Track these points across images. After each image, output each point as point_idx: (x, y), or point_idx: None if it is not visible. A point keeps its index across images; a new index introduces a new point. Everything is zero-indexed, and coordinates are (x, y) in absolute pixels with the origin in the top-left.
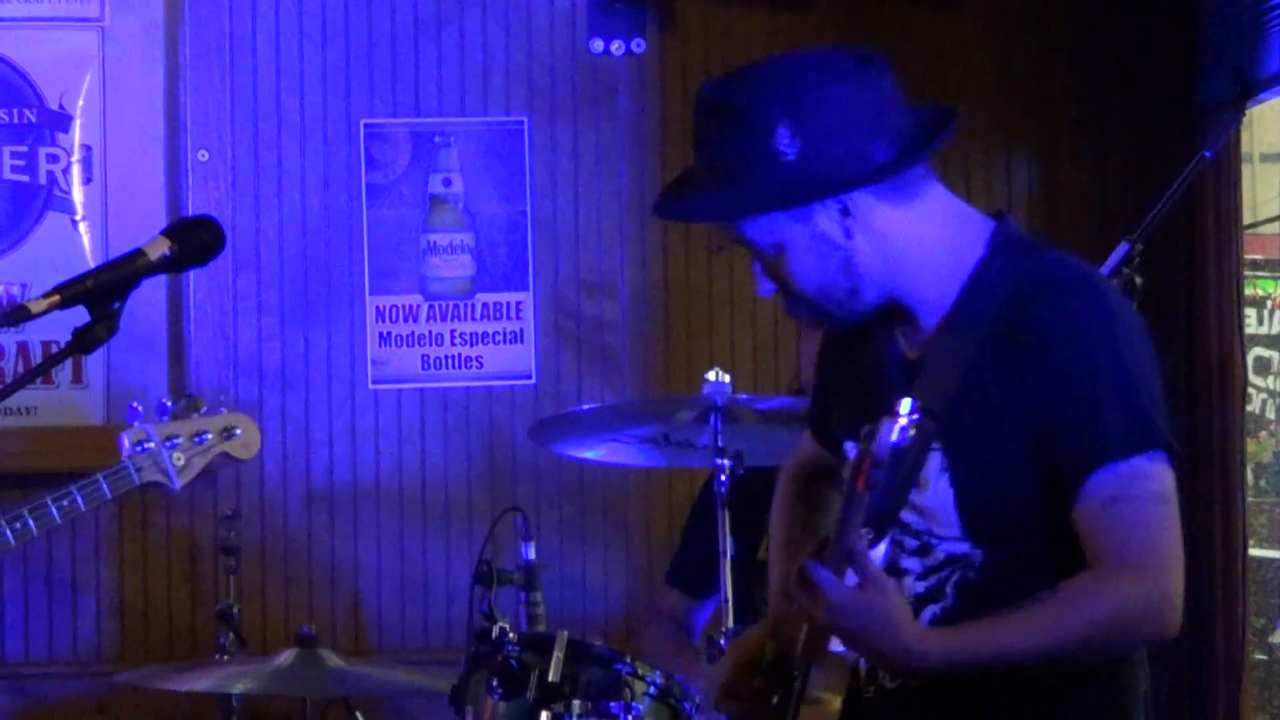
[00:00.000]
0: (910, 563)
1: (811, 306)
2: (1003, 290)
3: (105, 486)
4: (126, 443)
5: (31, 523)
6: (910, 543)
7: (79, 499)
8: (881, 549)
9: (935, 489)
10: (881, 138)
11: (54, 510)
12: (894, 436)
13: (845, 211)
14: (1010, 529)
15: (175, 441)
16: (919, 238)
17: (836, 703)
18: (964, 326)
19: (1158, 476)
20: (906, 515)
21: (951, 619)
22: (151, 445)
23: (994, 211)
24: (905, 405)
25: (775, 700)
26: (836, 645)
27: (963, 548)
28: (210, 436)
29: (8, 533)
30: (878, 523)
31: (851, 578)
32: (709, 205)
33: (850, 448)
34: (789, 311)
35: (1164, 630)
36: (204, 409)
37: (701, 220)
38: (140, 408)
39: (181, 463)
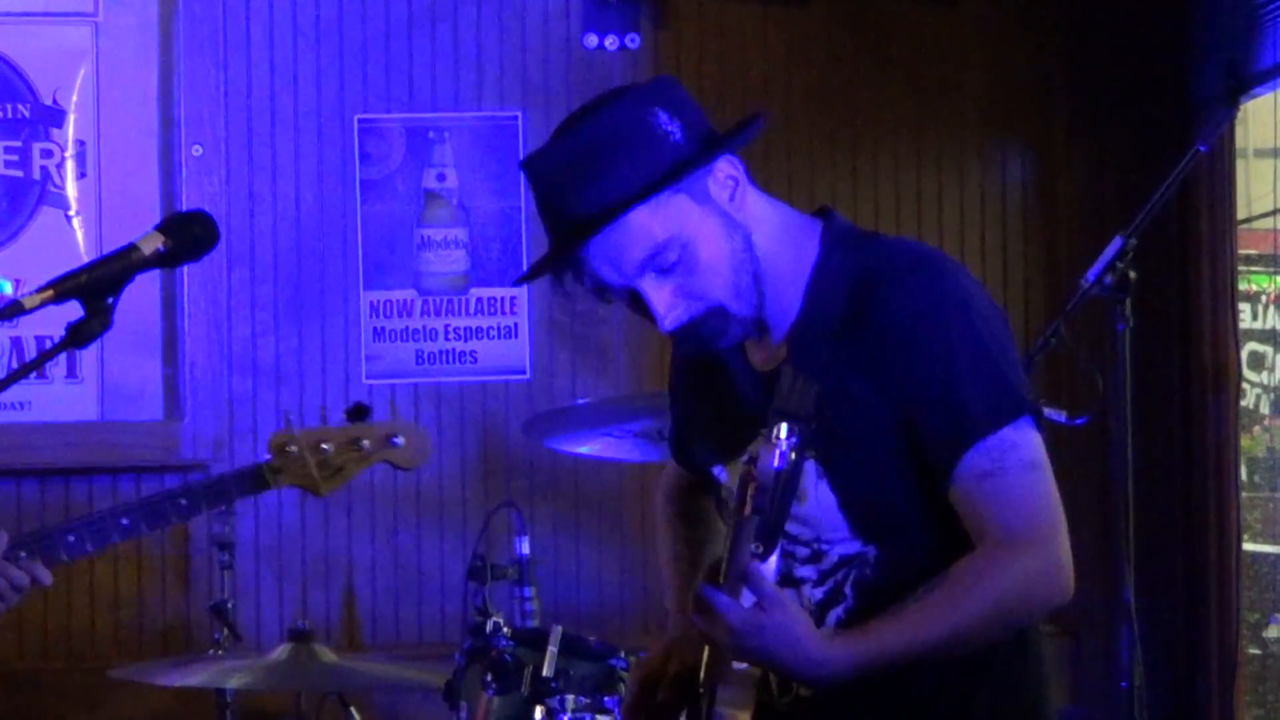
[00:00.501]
0: (805, 571)
1: (718, 314)
2: (843, 285)
3: (233, 486)
4: (271, 447)
5: (142, 524)
6: (801, 551)
7: (201, 501)
8: (773, 562)
9: (816, 496)
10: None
11: (170, 511)
12: (775, 462)
13: (734, 182)
14: (897, 522)
15: (326, 448)
16: (774, 230)
17: (746, 717)
18: (813, 329)
19: (1026, 445)
20: (792, 527)
21: (855, 618)
22: (295, 449)
23: (816, 210)
24: (782, 430)
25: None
26: (741, 665)
27: (855, 547)
28: (368, 444)
29: (114, 534)
30: (765, 538)
31: (748, 598)
32: (619, 186)
33: (720, 473)
34: (687, 339)
35: (1059, 596)
36: (369, 416)
37: (613, 209)
38: (287, 418)
39: (330, 469)
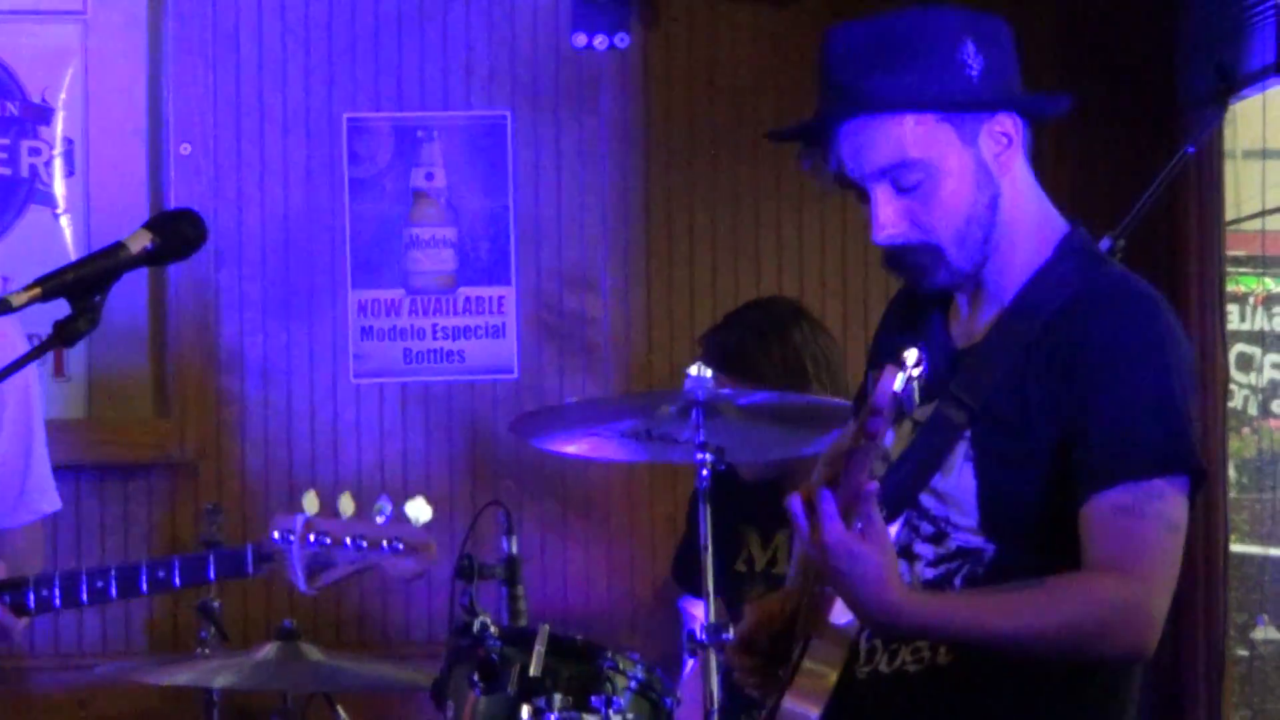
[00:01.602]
0: (924, 549)
1: (933, 253)
2: (1062, 295)
3: (212, 568)
4: (273, 529)
5: (114, 588)
6: (926, 528)
7: (176, 575)
8: (894, 529)
9: (959, 476)
10: (1039, 97)
11: (144, 582)
12: (896, 385)
13: (1008, 141)
14: (1026, 529)
15: (324, 539)
16: (1030, 211)
17: (834, 678)
18: (1017, 325)
19: (1173, 501)
20: (927, 500)
21: None
22: (292, 538)
23: (1069, 219)
24: (911, 356)
25: (781, 671)
26: (837, 618)
27: (976, 541)
28: (365, 544)
29: (83, 594)
30: (894, 501)
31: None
32: (896, 87)
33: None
34: (894, 260)
35: (1139, 643)
36: (384, 515)
37: (879, 103)
38: (310, 496)
39: (320, 565)
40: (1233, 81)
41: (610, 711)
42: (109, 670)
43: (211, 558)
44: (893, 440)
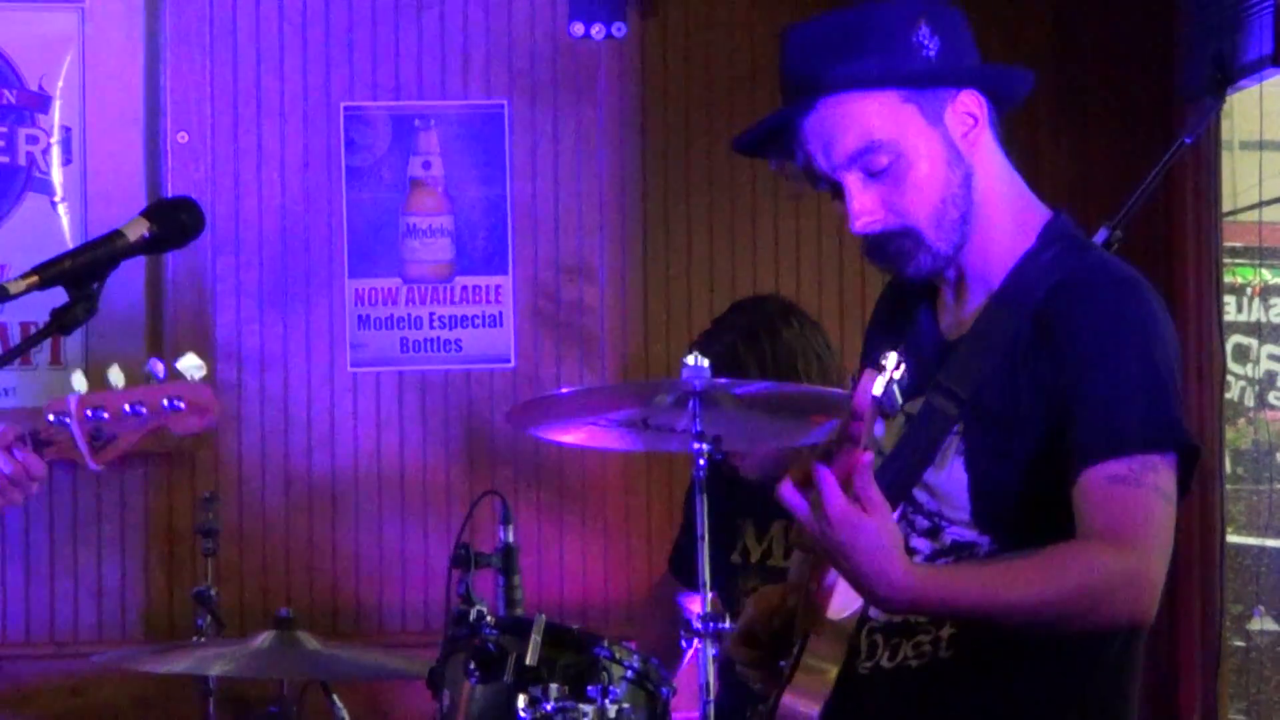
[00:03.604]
0: (920, 543)
1: (912, 237)
2: (1047, 280)
3: None
4: (46, 413)
5: None
6: (922, 522)
7: None
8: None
9: (950, 470)
10: (998, 69)
11: None
12: (876, 389)
13: (974, 120)
14: (1018, 521)
15: (101, 414)
16: (1007, 193)
17: (833, 674)
18: (1003, 314)
19: (1165, 475)
20: (920, 494)
21: None
22: (67, 418)
23: (1053, 205)
24: (891, 359)
25: (781, 663)
26: (835, 613)
27: (970, 535)
28: (144, 410)
29: None
30: (889, 493)
31: None
32: (850, 70)
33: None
34: (874, 248)
35: (1141, 610)
36: (158, 376)
37: (834, 85)
38: (79, 375)
39: (103, 440)
40: (1230, 72)
41: (606, 701)
42: (105, 658)
43: None
44: (883, 433)
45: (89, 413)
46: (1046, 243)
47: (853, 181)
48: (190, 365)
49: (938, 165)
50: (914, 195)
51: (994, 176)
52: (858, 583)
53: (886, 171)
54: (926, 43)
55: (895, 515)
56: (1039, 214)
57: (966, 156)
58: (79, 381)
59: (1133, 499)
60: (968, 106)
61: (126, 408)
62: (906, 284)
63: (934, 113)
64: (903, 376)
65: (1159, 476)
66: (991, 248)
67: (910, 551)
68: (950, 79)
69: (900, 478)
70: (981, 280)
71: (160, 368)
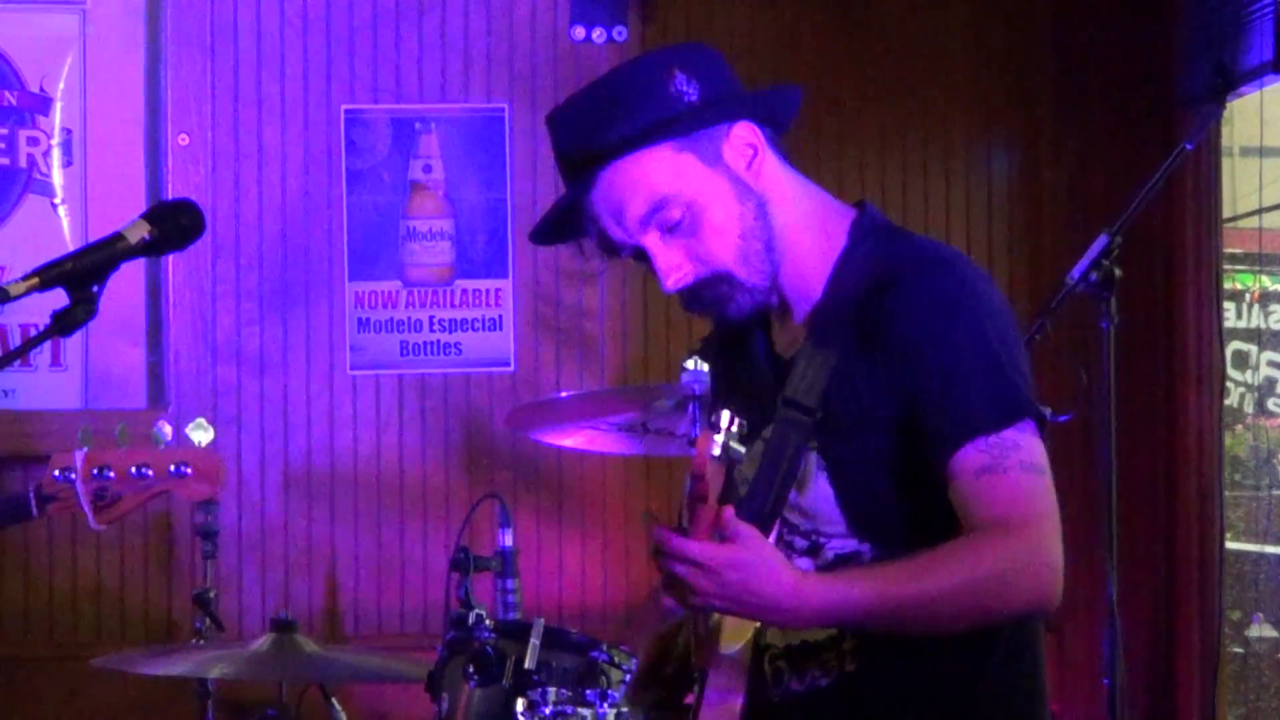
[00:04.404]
0: (802, 563)
1: (725, 280)
2: (865, 276)
3: None
4: (52, 468)
5: None
6: (800, 542)
7: None
8: None
9: (815, 488)
10: (762, 94)
11: None
12: (716, 451)
13: (753, 150)
14: (892, 521)
15: (107, 473)
16: (804, 208)
17: (738, 704)
18: (830, 319)
19: (1028, 447)
20: (791, 516)
21: None
22: (72, 475)
23: (855, 202)
24: (724, 417)
25: (688, 699)
26: (726, 647)
27: (850, 545)
28: (151, 473)
29: None
30: (759, 521)
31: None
32: (616, 135)
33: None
34: (691, 301)
35: (1043, 593)
36: (165, 439)
37: (604, 154)
38: (86, 431)
39: (106, 500)
40: (1230, 79)
41: (604, 705)
42: (103, 661)
43: None
44: (744, 460)
45: (95, 471)
46: (858, 240)
47: (652, 242)
48: (199, 432)
49: (729, 204)
50: (714, 240)
51: (788, 198)
52: (756, 612)
53: (681, 224)
54: (685, 88)
55: (771, 539)
56: (843, 214)
57: (755, 187)
58: (87, 438)
59: (1002, 484)
60: (744, 138)
61: (133, 469)
62: (732, 329)
63: (711, 154)
64: (740, 428)
65: (1021, 453)
66: (804, 264)
67: None
68: (717, 117)
69: (768, 503)
70: (804, 297)
71: (168, 430)
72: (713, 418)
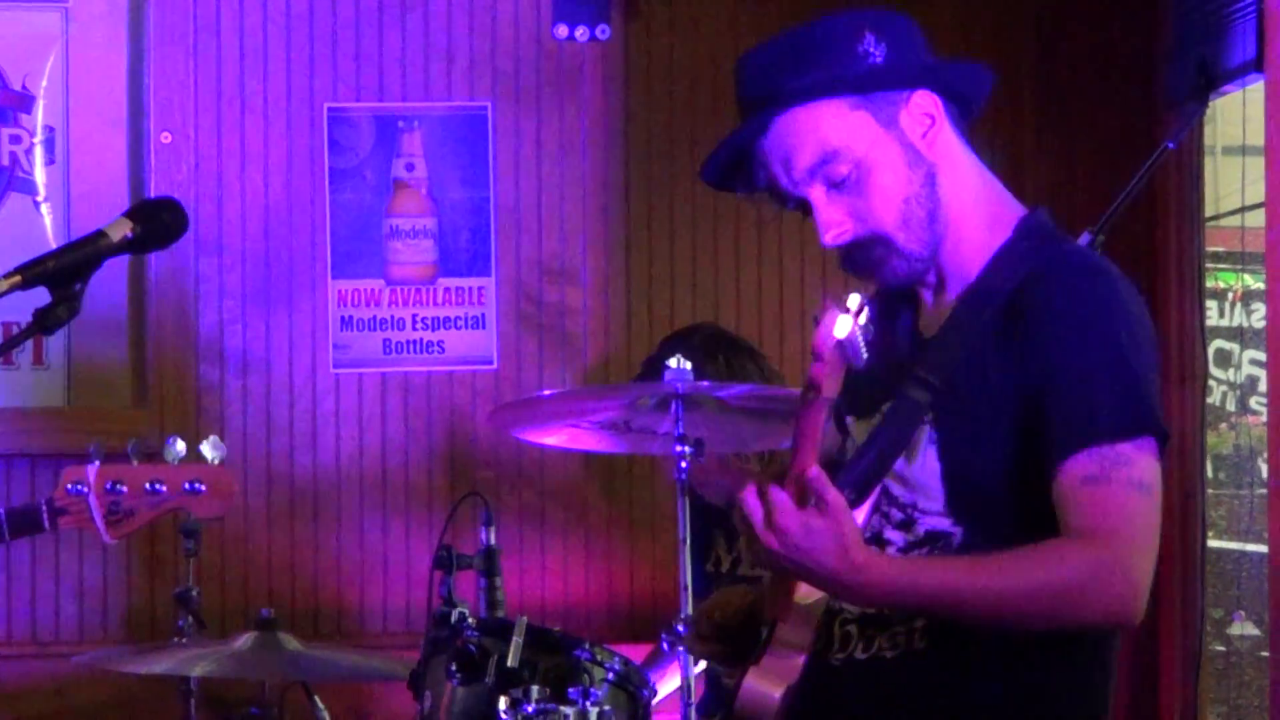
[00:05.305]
0: (894, 535)
1: (883, 243)
2: (1019, 272)
3: (6, 527)
4: (65, 482)
5: None
6: (896, 514)
7: None
8: (862, 514)
9: (923, 460)
10: (949, 65)
11: None
12: (838, 331)
13: (931, 120)
14: (993, 509)
15: (120, 488)
16: (976, 189)
17: (800, 660)
18: (977, 305)
19: (1141, 464)
20: (894, 487)
21: None
22: (84, 489)
23: (1031, 205)
24: (854, 300)
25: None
26: (801, 597)
27: (944, 524)
28: (165, 489)
29: None
30: (859, 485)
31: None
32: (798, 83)
33: (851, 423)
34: (848, 258)
35: (1122, 608)
36: (179, 455)
37: (785, 98)
38: (99, 445)
39: (119, 514)
40: (1213, 78)
41: (587, 703)
42: (86, 659)
43: (3, 515)
44: (862, 361)
45: (108, 486)
46: (1021, 236)
47: (817, 195)
48: (212, 449)
49: (898, 167)
50: (879, 199)
51: (960, 174)
52: (822, 583)
53: (848, 180)
54: (873, 50)
55: (869, 507)
56: (1014, 210)
57: (927, 156)
58: (100, 452)
59: (1105, 496)
60: (923, 107)
61: (147, 485)
62: (889, 295)
63: (888, 116)
64: (869, 321)
65: (1132, 469)
66: (965, 244)
67: (883, 543)
68: (898, 81)
69: (872, 469)
70: (959, 278)
71: (182, 446)
72: (845, 300)
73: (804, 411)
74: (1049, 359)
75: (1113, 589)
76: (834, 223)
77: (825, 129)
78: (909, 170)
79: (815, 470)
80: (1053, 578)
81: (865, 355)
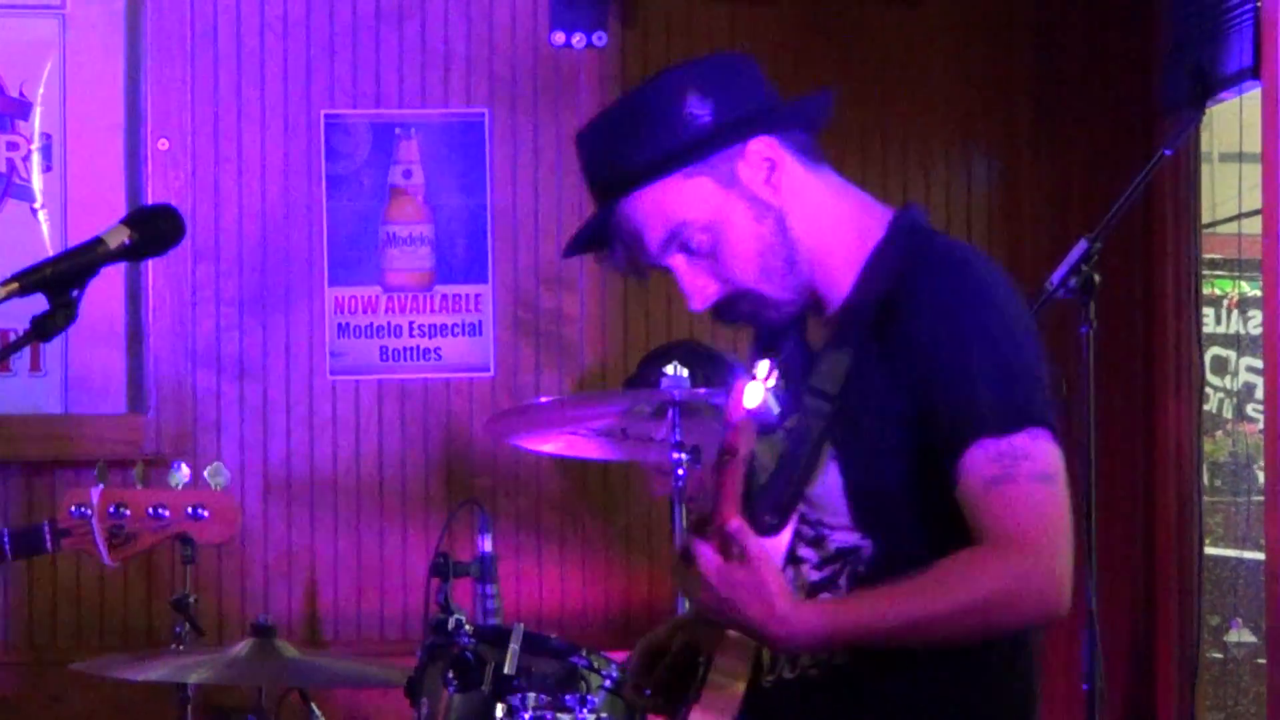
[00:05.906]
0: (807, 552)
1: (750, 297)
2: (890, 274)
3: (9, 546)
4: (68, 504)
5: None
6: (807, 532)
7: None
8: (787, 535)
9: (826, 479)
10: (786, 101)
11: None
12: (749, 402)
13: (770, 164)
14: (896, 519)
15: (124, 512)
16: (832, 211)
17: (740, 688)
18: (855, 313)
19: (1039, 455)
20: (804, 507)
21: None
22: (88, 511)
23: (903, 204)
24: (762, 368)
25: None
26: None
27: (852, 539)
28: (169, 514)
29: None
30: (778, 511)
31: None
32: (642, 164)
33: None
34: (722, 316)
35: (1048, 608)
36: (183, 480)
37: (633, 184)
38: (102, 468)
39: (122, 538)
40: (1210, 84)
41: (584, 710)
42: (83, 666)
43: (6, 535)
44: (763, 447)
45: (111, 509)
46: (891, 237)
47: (678, 263)
48: (216, 475)
49: (746, 224)
50: (734, 260)
51: (813, 205)
52: (749, 632)
53: (702, 247)
54: (697, 111)
55: (791, 526)
56: (883, 214)
57: (774, 202)
58: (104, 474)
59: (1011, 496)
60: (760, 154)
61: (150, 509)
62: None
63: (726, 174)
64: (777, 384)
65: (1034, 462)
66: (834, 265)
67: (798, 561)
68: (729, 139)
69: (787, 492)
70: (836, 294)
71: (186, 471)
72: (753, 366)
73: (722, 474)
74: (926, 362)
75: (1037, 589)
76: (697, 288)
77: (668, 205)
78: (756, 224)
79: (736, 523)
80: (976, 593)
81: (778, 411)
